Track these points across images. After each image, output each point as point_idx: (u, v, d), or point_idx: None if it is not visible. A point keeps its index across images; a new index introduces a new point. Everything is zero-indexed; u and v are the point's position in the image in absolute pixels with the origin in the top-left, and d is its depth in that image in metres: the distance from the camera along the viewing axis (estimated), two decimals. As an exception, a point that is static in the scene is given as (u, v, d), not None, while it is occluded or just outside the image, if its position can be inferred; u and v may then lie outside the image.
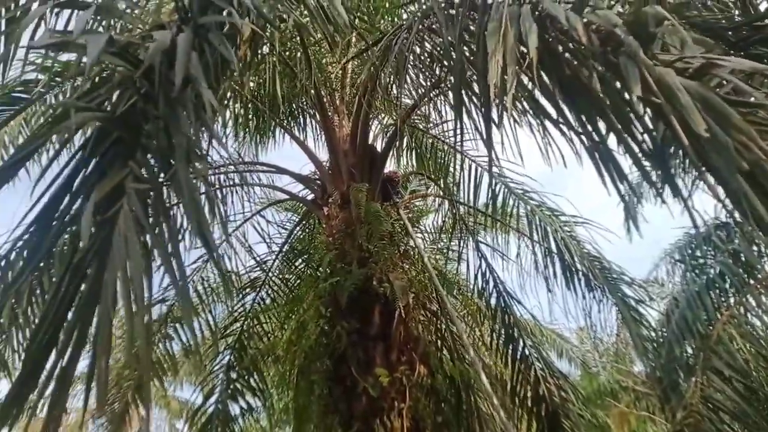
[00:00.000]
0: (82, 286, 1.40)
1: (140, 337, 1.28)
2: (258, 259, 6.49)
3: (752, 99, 1.26)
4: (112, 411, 7.49)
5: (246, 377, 6.23)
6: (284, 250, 6.68)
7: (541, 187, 6.39)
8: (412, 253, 5.29)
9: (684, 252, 6.90)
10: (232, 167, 6.01)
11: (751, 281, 5.76)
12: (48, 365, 1.35)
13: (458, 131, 2.25)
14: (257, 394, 6.22)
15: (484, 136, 2.26)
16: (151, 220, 1.40)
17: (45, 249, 1.51)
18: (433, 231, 7.00)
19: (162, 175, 1.44)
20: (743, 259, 5.94)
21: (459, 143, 5.51)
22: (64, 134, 1.67)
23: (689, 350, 5.91)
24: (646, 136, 1.90)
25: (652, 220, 5.84)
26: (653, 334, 6.16)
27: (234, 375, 6.21)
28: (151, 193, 1.40)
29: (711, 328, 5.74)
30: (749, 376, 5.36)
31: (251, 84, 5.66)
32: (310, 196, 5.90)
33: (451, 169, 6.58)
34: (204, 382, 6.54)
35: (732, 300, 5.80)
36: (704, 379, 5.50)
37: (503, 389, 6.91)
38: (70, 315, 1.37)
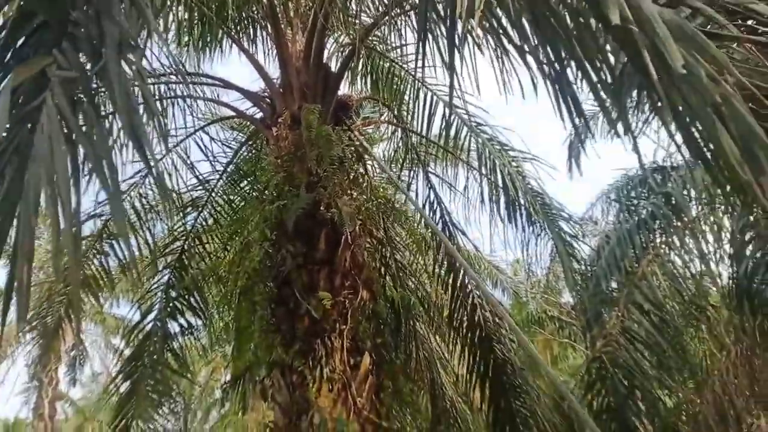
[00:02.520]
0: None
1: (68, 248, 1.18)
2: (201, 177, 6.25)
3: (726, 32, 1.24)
4: (44, 325, 7.29)
5: (186, 296, 6.17)
6: (229, 170, 6.46)
7: (494, 121, 6.40)
8: (361, 180, 5.23)
9: (620, 193, 7.21)
10: (174, 77, 5.60)
11: (678, 223, 6.12)
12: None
13: (419, 56, 2.14)
14: (198, 313, 6.21)
15: (446, 61, 2.17)
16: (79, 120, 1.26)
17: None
18: (383, 159, 6.93)
19: (90, 68, 1.28)
20: (674, 202, 6.27)
21: (419, 68, 5.34)
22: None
23: (614, 285, 6.31)
24: (605, 69, 1.88)
25: (596, 162, 6.03)
26: (584, 268, 6.52)
27: (174, 294, 6.14)
28: (78, 87, 1.25)
29: (637, 265, 6.12)
30: (665, 310, 5.81)
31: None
32: (259, 115, 5.64)
33: (406, 97, 6.44)
34: (142, 300, 6.45)
35: (659, 240, 6.17)
36: (625, 312, 5.92)
37: (441, 315, 7.22)
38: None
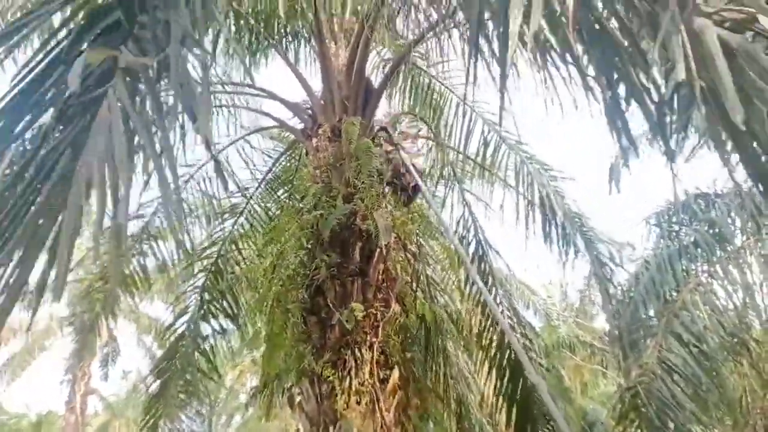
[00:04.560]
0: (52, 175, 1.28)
1: (115, 242, 1.21)
2: (240, 185, 6.38)
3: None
4: (81, 321, 7.50)
5: (220, 300, 6.27)
6: (267, 178, 6.57)
7: (533, 139, 6.35)
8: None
9: (661, 218, 7.02)
10: (220, 86, 5.76)
11: (722, 252, 5.92)
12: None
13: (467, 75, 2.14)
14: (230, 317, 6.29)
15: (498, 80, 2.17)
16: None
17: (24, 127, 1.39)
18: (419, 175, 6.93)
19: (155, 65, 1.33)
20: (718, 230, 6.07)
21: (461, 84, 5.33)
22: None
23: (652, 313, 6.13)
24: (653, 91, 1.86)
25: (639, 186, 5.90)
26: (620, 293, 6.35)
27: (208, 297, 6.25)
28: (141, 81, 1.29)
29: (676, 293, 5.93)
30: (705, 341, 5.60)
31: (247, -2, 5.36)
32: (299, 126, 5.74)
33: (445, 112, 6.45)
34: (177, 302, 6.58)
35: (701, 269, 5.97)
36: (662, 342, 5.73)
37: (470, 333, 7.13)
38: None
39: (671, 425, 5.44)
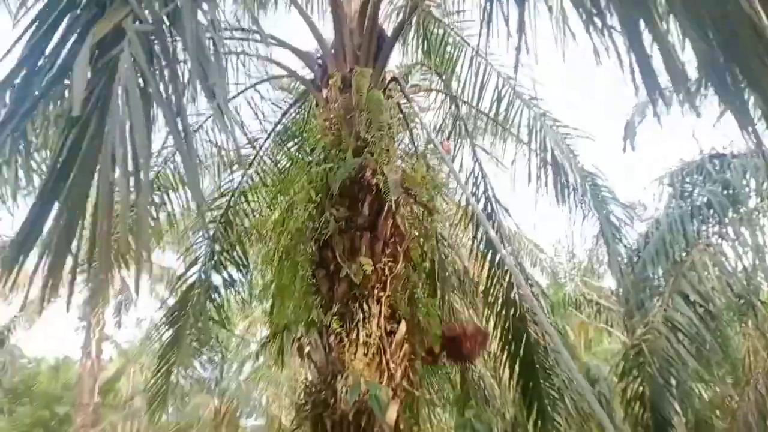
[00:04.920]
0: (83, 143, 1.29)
1: (140, 196, 1.21)
2: (249, 136, 6.31)
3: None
4: (95, 269, 7.63)
5: (230, 251, 6.33)
6: (277, 130, 6.50)
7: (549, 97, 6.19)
8: (408, 148, 5.18)
9: (675, 178, 6.91)
10: (228, 32, 5.61)
11: (734, 214, 5.83)
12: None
13: (482, 25, 2.06)
14: (240, 268, 6.37)
15: (516, 26, 2.08)
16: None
17: (33, 96, 1.38)
18: (430, 128, 6.83)
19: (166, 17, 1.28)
20: (732, 191, 5.97)
21: (475, 35, 5.15)
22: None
23: (660, 272, 6.11)
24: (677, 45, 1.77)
25: (654, 147, 5.77)
26: (629, 253, 6.33)
27: (218, 248, 6.31)
28: (155, 39, 1.25)
29: (686, 254, 5.90)
30: (712, 302, 5.61)
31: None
32: (309, 76, 5.62)
33: (458, 66, 6.28)
34: (188, 252, 6.65)
35: (712, 229, 5.91)
36: (669, 301, 5.75)
37: (476, 290, 7.19)
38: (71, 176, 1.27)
39: (673, 382, 5.53)
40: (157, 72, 1.25)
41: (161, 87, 1.25)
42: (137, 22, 1.21)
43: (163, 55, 1.25)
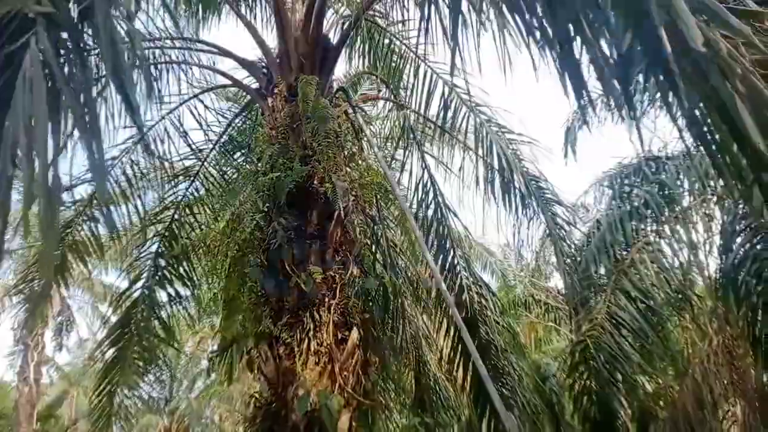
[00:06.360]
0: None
1: (41, 200, 1.14)
2: (194, 146, 6.16)
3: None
4: (32, 289, 7.24)
5: (175, 265, 6.14)
6: (222, 140, 6.37)
7: (494, 103, 6.35)
8: (356, 156, 5.18)
9: (614, 180, 7.22)
10: (169, 42, 5.47)
11: (670, 213, 6.14)
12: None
13: (421, 30, 2.09)
14: (186, 282, 6.18)
15: (450, 35, 2.13)
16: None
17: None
18: (379, 137, 6.87)
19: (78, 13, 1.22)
20: (667, 192, 6.28)
21: (420, 44, 5.22)
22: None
23: (602, 271, 6.36)
24: (612, 48, 1.85)
25: (591, 149, 6.02)
26: (574, 252, 6.55)
27: (163, 262, 6.11)
28: (64, 31, 1.19)
29: (626, 252, 6.16)
30: (652, 297, 5.87)
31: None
32: (255, 85, 5.55)
33: (405, 74, 6.35)
34: (131, 268, 6.41)
35: (649, 228, 6.20)
36: (612, 298, 5.98)
37: (428, 294, 7.25)
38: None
39: (618, 376, 5.74)
40: (66, 63, 1.19)
41: (70, 80, 1.18)
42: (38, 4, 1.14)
43: (72, 46, 1.19)
